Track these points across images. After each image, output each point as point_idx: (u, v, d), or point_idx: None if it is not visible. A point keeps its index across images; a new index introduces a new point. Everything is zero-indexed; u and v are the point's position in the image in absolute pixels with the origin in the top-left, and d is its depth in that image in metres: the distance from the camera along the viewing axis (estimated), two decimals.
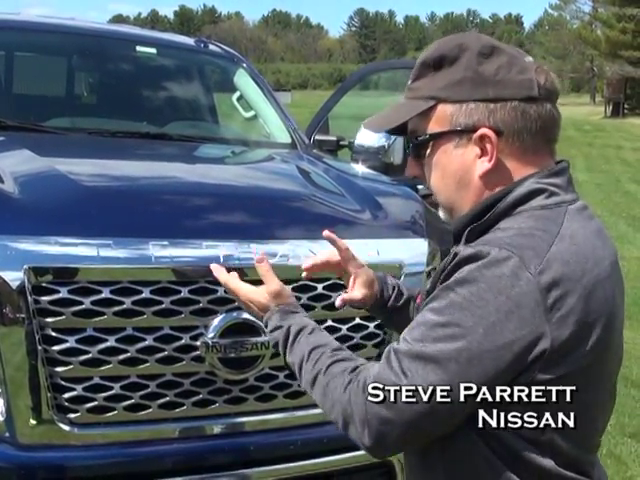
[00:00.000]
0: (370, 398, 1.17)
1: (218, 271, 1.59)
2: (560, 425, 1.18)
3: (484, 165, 1.25)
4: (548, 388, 1.14)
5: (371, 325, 2.36)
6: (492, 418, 1.17)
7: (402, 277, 2.37)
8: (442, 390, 1.13)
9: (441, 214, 1.38)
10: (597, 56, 51.18)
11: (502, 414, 1.16)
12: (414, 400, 1.14)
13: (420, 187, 4.24)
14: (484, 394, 1.14)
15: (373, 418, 1.17)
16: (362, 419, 1.18)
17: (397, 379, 1.15)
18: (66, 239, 2.04)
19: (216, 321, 2.11)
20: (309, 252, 2.26)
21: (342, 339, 2.30)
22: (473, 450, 1.20)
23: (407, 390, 1.14)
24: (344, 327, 2.31)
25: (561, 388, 1.15)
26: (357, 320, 2.34)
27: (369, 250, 2.34)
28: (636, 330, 6.03)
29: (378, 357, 2.37)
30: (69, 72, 4.02)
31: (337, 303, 1.64)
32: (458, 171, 1.28)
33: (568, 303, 1.13)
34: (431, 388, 1.13)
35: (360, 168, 3.57)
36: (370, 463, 2.15)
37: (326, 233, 1.64)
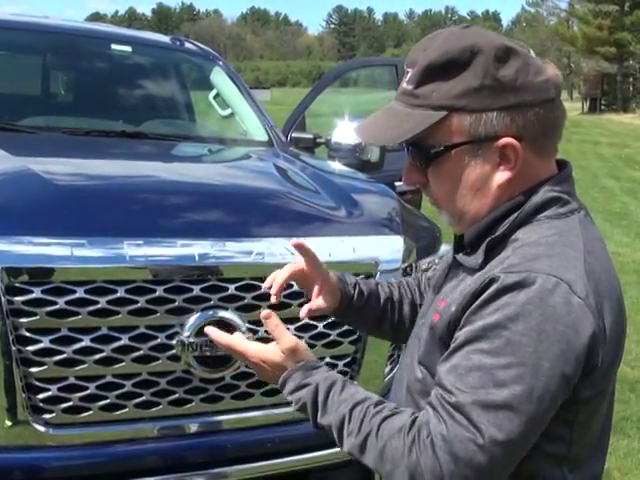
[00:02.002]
0: (443, 457, 1.08)
1: (217, 334, 1.42)
2: (582, 440, 1.19)
3: (505, 174, 1.20)
4: (583, 404, 1.15)
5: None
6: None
7: (378, 274, 2.38)
8: (520, 434, 1.08)
9: (444, 218, 1.31)
10: (574, 53, 51.64)
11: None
12: (493, 453, 1.07)
13: (397, 184, 4.27)
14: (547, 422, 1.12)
15: (450, 477, 1.09)
16: (437, 478, 1.10)
17: (471, 434, 1.07)
18: (40, 239, 2.02)
19: (192, 320, 2.10)
20: (285, 250, 2.27)
21: (318, 336, 2.30)
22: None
23: (484, 444, 1.07)
24: (320, 324, 2.31)
25: (593, 403, 1.17)
26: (333, 317, 2.34)
27: (344, 247, 2.35)
28: None
29: (355, 353, 2.38)
30: (43, 71, 3.98)
31: (302, 314, 1.57)
32: (476, 182, 1.21)
33: (609, 322, 1.14)
34: (510, 437, 1.07)
35: (337, 165, 3.58)
36: (347, 460, 2.15)
37: (294, 241, 1.56)
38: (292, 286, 2.24)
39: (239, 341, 1.39)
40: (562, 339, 1.08)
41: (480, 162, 1.20)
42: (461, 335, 1.14)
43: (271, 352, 1.33)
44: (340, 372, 2.38)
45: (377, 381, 2.44)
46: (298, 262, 1.57)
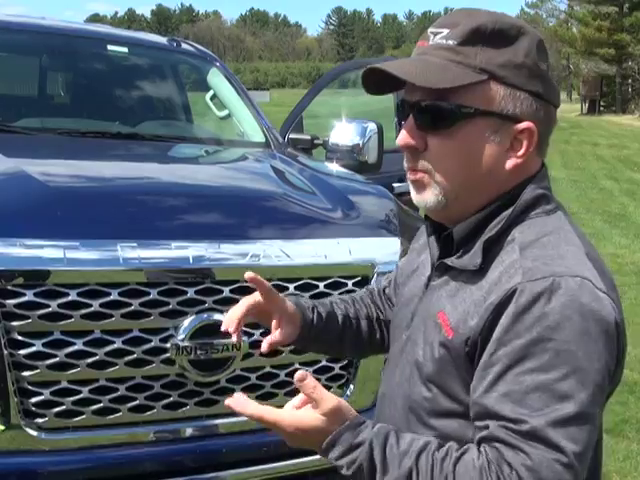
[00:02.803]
0: None
1: (242, 405, 1.19)
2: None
3: (514, 160, 1.19)
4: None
5: None
6: None
7: (374, 276, 2.36)
8: (590, 440, 1.06)
9: (427, 198, 1.22)
10: (573, 54, 51.60)
11: None
12: (575, 467, 1.04)
13: (396, 185, 4.25)
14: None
15: None
16: None
17: (554, 455, 1.03)
18: (32, 241, 2.00)
19: (186, 323, 2.09)
20: (280, 252, 2.25)
21: None
22: None
23: (569, 462, 1.03)
24: None
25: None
26: None
27: (340, 249, 2.33)
28: None
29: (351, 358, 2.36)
30: (40, 72, 3.97)
31: (263, 349, 1.45)
32: (489, 158, 1.18)
33: (620, 309, 1.15)
34: (585, 446, 1.05)
35: (334, 167, 3.56)
36: None
37: (248, 274, 1.42)
38: (287, 289, 2.23)
39: (269, 411, 1.17)
40: (603, 334, 1.08)
41: (497, 140, 1.18)
42: (500, 359, 1.08)
43: (310, 417, 1.14)
44: (336, 375, 2.36)
45: (373, 383, 2.41)
46: (254, 295, 1.46)
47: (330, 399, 1.14)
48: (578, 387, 1.05)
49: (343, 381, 2.38)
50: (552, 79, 1.23)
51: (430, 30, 1.22)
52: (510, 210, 1.18)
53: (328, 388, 2.31)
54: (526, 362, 1.06)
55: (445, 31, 1.19)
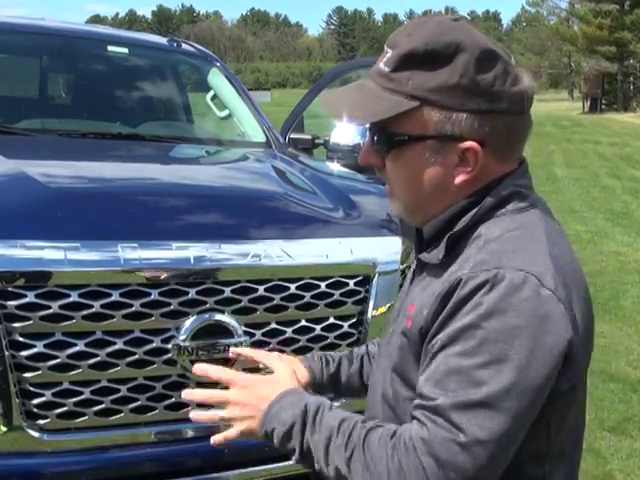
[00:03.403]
0: (426, 460, 1.06)
1: (205, 370, 1.37)
2: (561, 432, 1.18)
3: (464, 176, 1.19)
4: (560, 398, 1.15)
5: (345, 324, 2.34)
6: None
7: (376, 275, 2.35)
8: (503, 432, 1.06)
9: (394, 207, 1.29)
10: (574, 52, 51.59)
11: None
12: (476, 453, 1.05)
13: None
14: (533, 417, 1.11)
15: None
16: None
17: (451, 435, 1.06)
18: (33, 242, 2.00)
19: (187, 323, 2.08)
20: (282, 252, 2.25)
21: (316, 339, 2.28)
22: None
23: (466, 444, 1.05)
24: (318, 327, 2.29)
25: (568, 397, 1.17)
26: (331, 320, 2.32)
27: (342, 249, 2.33)
28: (614, 324, 6.07)
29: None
30: (40, 73, 3.97)
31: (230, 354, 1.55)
32: (434, 178, 1.20)
33: (578, 313, 1.13)
34: (492, 435, 1.05)
35: (335, 167, 3.56)
36: None
37: (232, 351, 1.53)
38: (289, 289, 2.23)
39: (226, 370, 1.35)
40: (536, 332, 1.07)
41: (440, 160, 1.19)
42: (437, 341, 1.12)
43: (263, 378, 1.32)
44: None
45: None
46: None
47: (281, 368, 1.35)
48: (495, 377, 1.06)
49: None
50: (506, 88, 1.16)
51: (385, 45, 1.23)
52: (477, 208, 1.19)
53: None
54: (455, 346, 1.09)
55: (389, 52, 1.20)
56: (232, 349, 1.54)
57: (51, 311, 1.96)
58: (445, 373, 1.09)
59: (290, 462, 2.19)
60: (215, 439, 1.33)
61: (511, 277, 1.08)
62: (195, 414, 1.35)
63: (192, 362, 2.09)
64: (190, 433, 2.16)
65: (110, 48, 3.87)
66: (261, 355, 1.47)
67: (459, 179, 1.19)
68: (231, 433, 1.30)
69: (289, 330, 2.21)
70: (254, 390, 1.28)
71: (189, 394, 1.35)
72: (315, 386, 1.51)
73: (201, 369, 1.37)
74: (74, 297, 1.98)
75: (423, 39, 1.16)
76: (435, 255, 1.21)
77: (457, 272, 1.14)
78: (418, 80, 1.16)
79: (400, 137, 1.19)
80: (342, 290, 2.32)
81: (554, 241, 1.17)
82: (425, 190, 1.21)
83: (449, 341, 1.10)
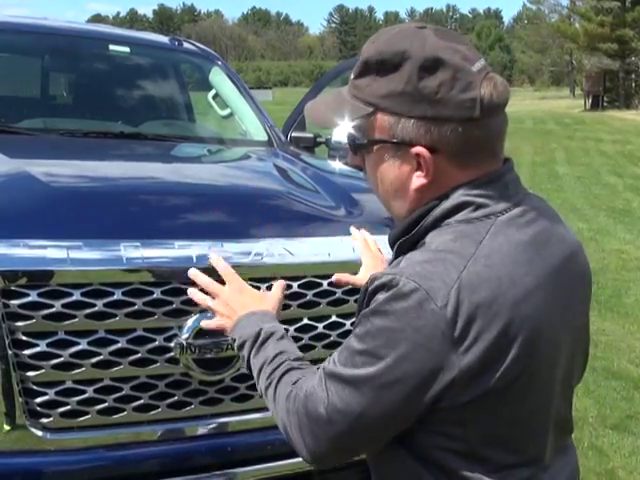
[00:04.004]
0: (300, 410, 1.24)
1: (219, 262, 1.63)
2: (484, 438, 1.20)
3: (419, 180, 1.24)
4: (467, 407, 1.17)
5: (347, 323, 2.34)
6: (416, 437, 1.22)
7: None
8: (357, 411, 1.19)
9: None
10: (576, 49, 51.54)
11: (425, 433, 1.21)
12: (334, 418, 1.20)
13: None
14: (399, 417, 1.19)
15: (305, 431, 1.24)
16: (297, 430, 1.25)
17: (323, 396, 1.22)
18: (35, 242, 2.00)
19: (190, 322, 2.08)
20: (284, 250, 2.25)
21: (318, 337, 2.28)
22: (402, 466, 1.26)
23: (327, 407, 1.21)
24: (320, 325, 2.29)
25: (479, 407, 1.17)
26: (333, 318, 2.32)
27: (344, 247, 2.33)
28: (616, 322, 6.07)
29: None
30: (42, 72, 3.97)
31: (333, 277, 1.86)
32: (394, 181, 1.27)
33: (476, 331, 1.13)
34: (348, 408, 1.19)
35: (337, 165, 3.55)
36: (348, 463, 2.13)
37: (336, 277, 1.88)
38: (291, 287, 2.23)
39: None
40: (408, 341, 1.14)
41: (399, 163, 1.25)
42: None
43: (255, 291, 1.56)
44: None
45: None
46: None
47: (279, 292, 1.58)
48: (365, 366, 1.18)
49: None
50: (451, 95, 1.18)
51: None
52: (426, 217, 1.24)
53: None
54: (357, 328, 1.23)
55: (358, 60, 1.29)
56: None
57: (54, 310, 1.96)
58: (344, 347, 1.24)
59: (293, 460, 2.21)
60: (202, 322, 1.66)
61: (402, 285, 1.15)
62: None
63: (195, 361, 2.10)
64: (193, 431, 2.16)
65: (112, 47, 3.86)
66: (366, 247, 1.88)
67: (415, 183, 1.25)
68: (211, 323, 1.56)
69: (291, 328, 2.21)
70: (241, 297, 1.51)
71: (195, 275, 1.61)
72: None
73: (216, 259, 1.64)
74: (77, 296, 1.98)
75: (378, 48, 1.24)
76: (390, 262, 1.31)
77: None
78: (374, 87, 1.24)
79: (360, 141, 1.29)
80: (344, 288, 2.31)
81: (487, 260, 1.16)
82: (389, 192, 1.30)
83: (356, 324, 1.24)
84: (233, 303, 1.50)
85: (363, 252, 1.87)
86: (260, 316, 1.46)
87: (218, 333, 2.09)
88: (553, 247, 1.26)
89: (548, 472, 1.28)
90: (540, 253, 1.22)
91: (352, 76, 1.29)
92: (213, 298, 1.54)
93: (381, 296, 1.18)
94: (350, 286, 2.25)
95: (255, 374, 1.39)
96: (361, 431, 1.21)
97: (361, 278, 1.80)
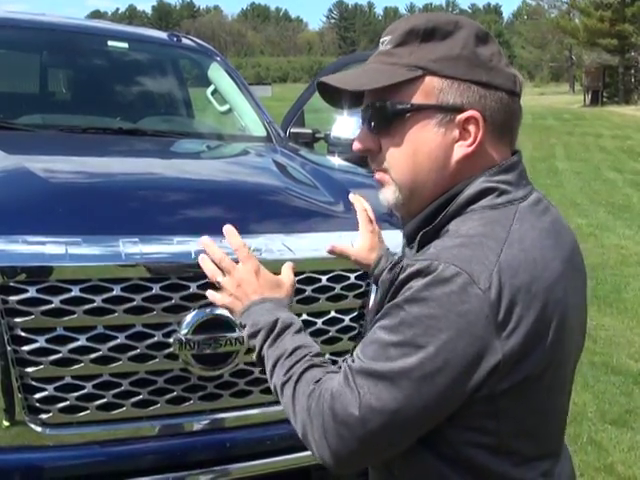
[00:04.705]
0: (326, 411, 1.15)
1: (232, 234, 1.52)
2: (515, 430, 1.17)
3: (463, 149, 1.20)
4: (504, 397, 1.13)
5: (346, 318, 2.34)
6: (444, 435, 1.16)
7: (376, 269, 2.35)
8: (394, 408, 1.11)
9: (387, 196, 1.28)
10: (575, 45, 51.54)
11: (455, 429, 1.16)
12: (367, 418, 1.12)
13: None
14: (437, 411, 1.13)
15: (330, 433, 1.15)
16: (321, 432, 1.16)
17: (352, 396, 1.13)
18: (34, 238, 2.00)
19: (189, 317, 2.09)
20: (283, 246, 2.25)
21: (317, 333, 2.28)
22: (422, 468, 1.19)
23: (360, 408, 1.12)
24: (319, 321, 2.29)
25: (515, 396, 1.14)
26: (332, 313, 2.32)
27: (342, 242, 2.33)
28: (616, 317, 6.08)
29: (354, 349, 2.36)
30: (40, 68, 3.96)
31: (327, 248, 1.78)
32: (435, 150, 1.21)
33: (518, 314, 1.11)
34: (382, 406, 1.11)
35: (336, 160, 3.56)
36: None
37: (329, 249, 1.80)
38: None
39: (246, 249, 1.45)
40: (451, 327, 1.09)
41: (442, 131, 1.20)
42: (379, 315, 1.20)
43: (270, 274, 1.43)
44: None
45: None
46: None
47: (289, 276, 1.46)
48: (402, 358, 1.10)
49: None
50: (501, 66, 1.22)
51: (382, 35, 1.28)
52: (450, 205, 1.21)
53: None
54: (383, 320, 1.15)
55: (387, 38, 1.25)
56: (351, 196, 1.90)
57: (53, 306, 1.96)
58: (370, 341, 1.16)
59: (292, 456, 2.21)
60: (209, 293, 1.47)
61: (442, 270, 1.10)
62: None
63: (194, 356, 2.10)
64: (192, 427, 2.17)
65: (110, 43, 3.86)
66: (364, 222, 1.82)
67: (458, 154, 1.20)
68: (217, 298, 1.43)
69: None
70: (255, 280, 1.39)
71: (207, 245, 1.48)
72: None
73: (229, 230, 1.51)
74: (75, 292, 1.98)
75: (423, 18, 1.23)
76: (412, 253, 1.24)
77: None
78: (420, 53, 1.21)
79: (404, 105, 1.21)
80: (343, 284, 2.32)
81: (520, 239, 1.16)
82: (424, 167, 1.22)
83: (381, 316, 1.17)
84: (246, 285, 1.39)
85: (361, 223, 1.82)
86: (275, 304, 1.36)
87: (217, 330, 2.11)
88: (565, 236, 1.26)
89: (559, 465, 1.28)
90: (558, 241, 1.23)
91: (388, 46, 1.24)
92: (224, 275, 1.42)
93: (417, 283, 1.11)
94: (349, 281, 2.26)
95: (269, 367, 1.29)
96: (395, 430, 1.13)
97: (357, 250, 1.79)
